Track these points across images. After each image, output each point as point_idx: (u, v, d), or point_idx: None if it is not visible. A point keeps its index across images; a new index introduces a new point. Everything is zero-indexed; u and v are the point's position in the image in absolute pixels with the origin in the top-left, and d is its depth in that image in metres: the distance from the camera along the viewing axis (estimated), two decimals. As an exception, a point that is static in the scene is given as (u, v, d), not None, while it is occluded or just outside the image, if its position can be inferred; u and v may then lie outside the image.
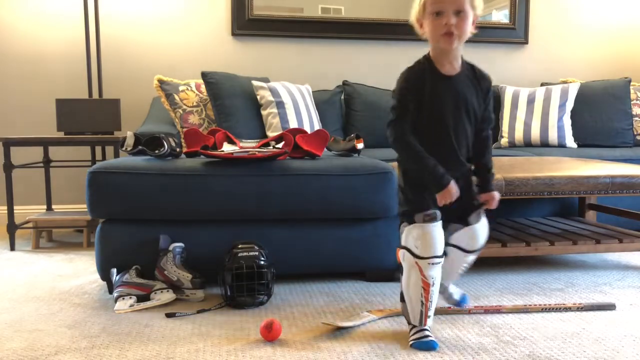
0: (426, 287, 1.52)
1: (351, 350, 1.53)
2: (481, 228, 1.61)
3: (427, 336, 1.56)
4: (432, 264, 1.51)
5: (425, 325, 1.57)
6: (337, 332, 1.66)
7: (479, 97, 1.56)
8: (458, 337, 1.63)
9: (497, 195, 1.60)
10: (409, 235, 1.54)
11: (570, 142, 3.22)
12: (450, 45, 1.49)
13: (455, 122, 1.53)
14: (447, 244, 1.60)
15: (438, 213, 1.53)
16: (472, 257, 1.67)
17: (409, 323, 1.60)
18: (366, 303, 1.93)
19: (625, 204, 2.70)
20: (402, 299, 1.60)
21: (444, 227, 1.56)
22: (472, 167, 1.62)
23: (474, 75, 1.56)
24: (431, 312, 1.56)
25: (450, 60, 1.53)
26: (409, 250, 1.54)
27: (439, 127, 1.53)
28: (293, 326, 1.72)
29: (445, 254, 1.57)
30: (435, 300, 1.57)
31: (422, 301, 1.54)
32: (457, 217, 1.61)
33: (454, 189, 1.49)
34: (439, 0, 1.47)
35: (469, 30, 1.50)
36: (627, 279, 2.22)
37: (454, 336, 1.64)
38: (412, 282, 1.54)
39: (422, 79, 1.52)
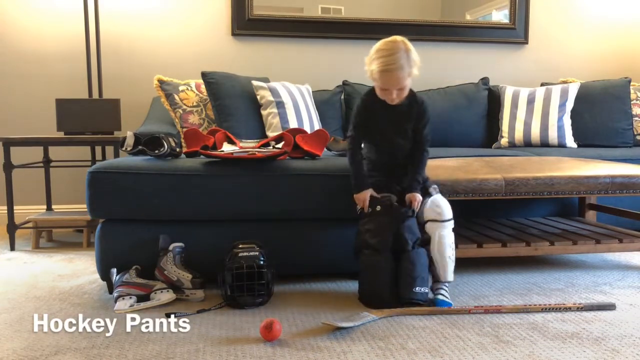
0: None
1: (351, 350, 1.53)
2: (440, 200, 1.94)
3: None
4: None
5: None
6: (337, 332, 1.66)
7: (411, 121, 1.99)
8: (458, 337, 1.63)
9: (418, 196, 1.95)
10: None
11: (570, 142, 3.22)
12: (392, 103, 1.94)
13: (390, 137, 2.00)
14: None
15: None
16: (446, 233, 1.91)
17: None
18: (366, 303, 1.93)
19: (625, 204, 2.69)
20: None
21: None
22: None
23: (410, 104, 1.98)
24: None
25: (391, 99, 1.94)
26: None
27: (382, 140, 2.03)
28: (293, 326, 1.71)
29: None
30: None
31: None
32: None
33: (362, 197, 1.95)
34: (385, 82, 1.90)
35: (407, 89, 1.93)
36: (627, 279, 2.22)
37: (454, 336, 1.64)
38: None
39: (372, 107, 2.00)
